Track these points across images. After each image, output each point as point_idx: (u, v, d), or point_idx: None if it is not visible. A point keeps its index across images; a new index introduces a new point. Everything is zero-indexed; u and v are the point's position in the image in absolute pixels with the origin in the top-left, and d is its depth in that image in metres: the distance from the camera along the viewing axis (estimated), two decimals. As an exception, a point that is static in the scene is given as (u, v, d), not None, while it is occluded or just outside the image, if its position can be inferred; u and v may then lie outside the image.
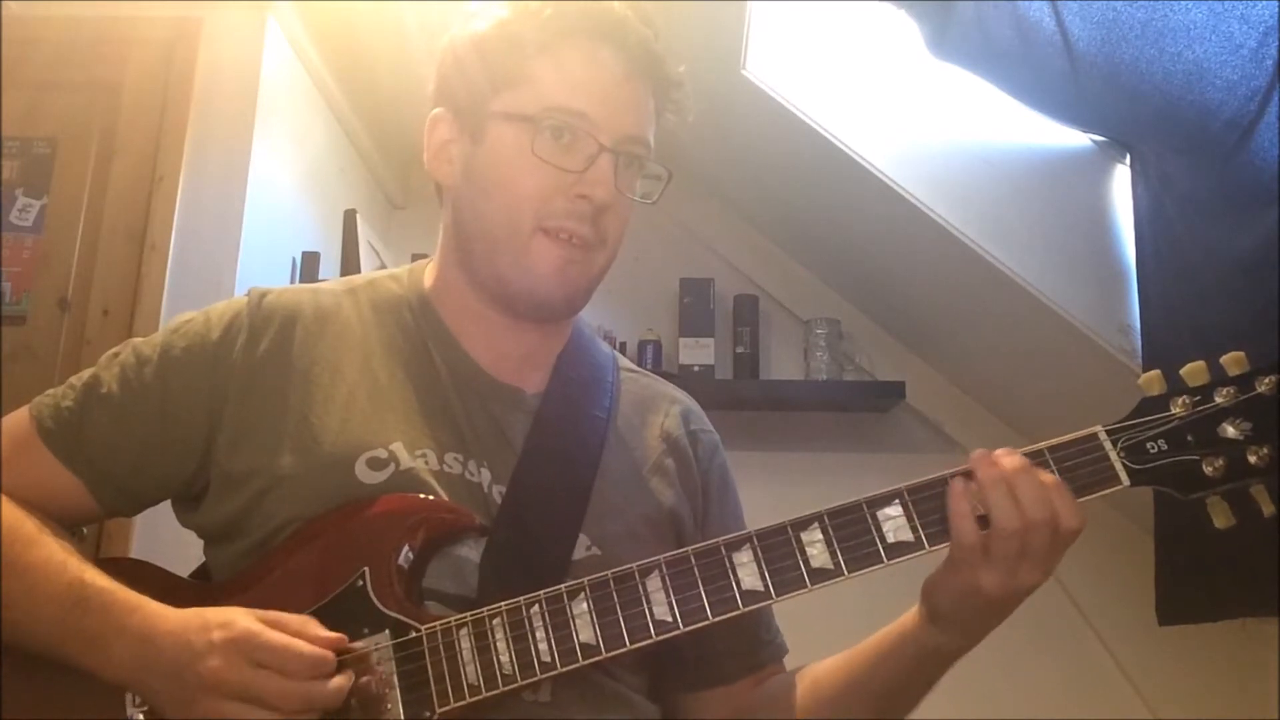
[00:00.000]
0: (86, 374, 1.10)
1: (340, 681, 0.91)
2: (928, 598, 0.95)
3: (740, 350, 2.89)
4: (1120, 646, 2.66)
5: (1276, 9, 1.69)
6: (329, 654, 0.91)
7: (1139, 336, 2.09)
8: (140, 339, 1.12)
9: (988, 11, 1.98)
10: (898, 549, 0.91)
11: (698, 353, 2.86)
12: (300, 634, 0.91)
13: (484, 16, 1.09)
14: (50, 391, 1.11)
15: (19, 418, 1.09)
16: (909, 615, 0.98)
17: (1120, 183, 2.17)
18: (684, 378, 2.69)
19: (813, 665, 1.09)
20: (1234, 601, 1.99)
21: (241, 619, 0.91)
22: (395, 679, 0.93)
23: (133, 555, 1.94)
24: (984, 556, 0.90)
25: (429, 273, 1.17)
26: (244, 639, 0.89)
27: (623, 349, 2.82)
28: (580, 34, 1.05)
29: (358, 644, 0.94)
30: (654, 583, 0.93)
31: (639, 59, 1.07)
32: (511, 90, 1.06)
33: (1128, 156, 2.15)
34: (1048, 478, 0.91)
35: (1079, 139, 2.21)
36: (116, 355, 1.11)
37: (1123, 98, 1.96)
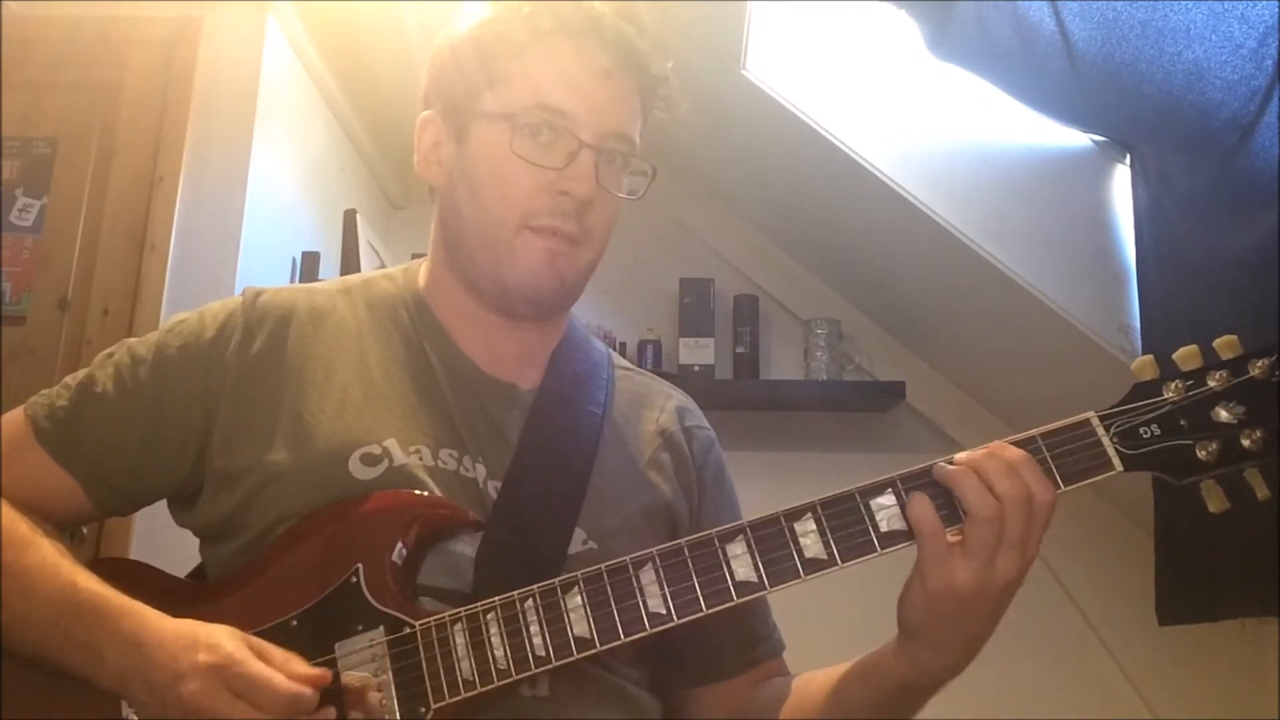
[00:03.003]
0: (81, 374, 1.10)
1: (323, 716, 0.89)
2: (900, 612, 0.93)
3: (740, 350, 2.89)
4: (1120, 646, 2.65)
5: (1276, 9, 1.68)
6: (307, 691, 0.88)
7: (1139, 336, 2.08)
8: (135, 339, 1.12)
9: (988, 11, 1.97)
10: (891, 538, 0.90)
11: (698, 353, 2.86)
12: (282, 669, 0.89)
13: (469, 17, 1.09)
14: (45, 391, 1.10)
15: (14, 418, 1.09)
16: (887, 644, 0.97)
17: (1120, 183, 2.17)
18: (684, 378, 2.69)
19: (808, 678, 1.08)
20: (1234, 601, 1.98)
21: (228, 643, 0.89)
22: (390, 676, 0.93)
23: (131, 555, 1.94)
24: (960, 549, 0.88)
25: (423, 272, 1.17)
26: (225, 666, 0.87)
27: (623, 349, 2.82)
28: (561, 31, 1.06)
29: (349, 642, 0.94)
30: (648, 575, 0.93)
31: (622, 55, 1.07)
32: (494, 89, 1.06)
33: (1128, 156, 2.15)
34: (1013, 454, 0.89)
35: (1079, 139, 2.21)
36: (111, 355, 1.11)
37: (1123, 98, 1.95)
